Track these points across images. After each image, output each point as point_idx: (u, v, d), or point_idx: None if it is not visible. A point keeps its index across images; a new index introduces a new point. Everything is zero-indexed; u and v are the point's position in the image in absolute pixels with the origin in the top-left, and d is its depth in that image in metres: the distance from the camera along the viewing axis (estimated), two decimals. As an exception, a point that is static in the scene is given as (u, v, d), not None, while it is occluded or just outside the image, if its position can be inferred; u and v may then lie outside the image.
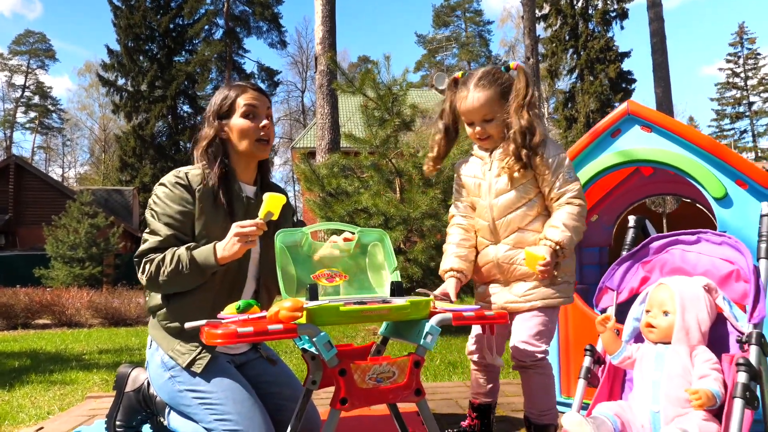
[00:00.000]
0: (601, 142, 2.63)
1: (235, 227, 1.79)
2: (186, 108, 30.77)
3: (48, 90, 49.54)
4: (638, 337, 1.87)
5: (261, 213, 1.80)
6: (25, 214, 23.08)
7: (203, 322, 1.45)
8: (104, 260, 18.12)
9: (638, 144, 2.52)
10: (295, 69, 47.04)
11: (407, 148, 7.26)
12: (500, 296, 2.10)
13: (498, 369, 2.18)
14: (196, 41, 31.63)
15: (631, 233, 2.15)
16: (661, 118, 2.49)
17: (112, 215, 21.22)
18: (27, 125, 48.65)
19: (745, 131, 42.94)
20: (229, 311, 1.53)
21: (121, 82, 29.93)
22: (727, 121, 43.23)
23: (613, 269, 1.94)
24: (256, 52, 56.93)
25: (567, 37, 33.20)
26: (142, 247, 1.90)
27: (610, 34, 32.62)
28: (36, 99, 48.54)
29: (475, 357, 2.17)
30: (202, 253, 1.83)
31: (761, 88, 42.84)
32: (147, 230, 1.94)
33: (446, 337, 6.74)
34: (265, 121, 2.03)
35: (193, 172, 1.98)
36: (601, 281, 1.91)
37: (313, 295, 1.58)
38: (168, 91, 28.95)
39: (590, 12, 31.04)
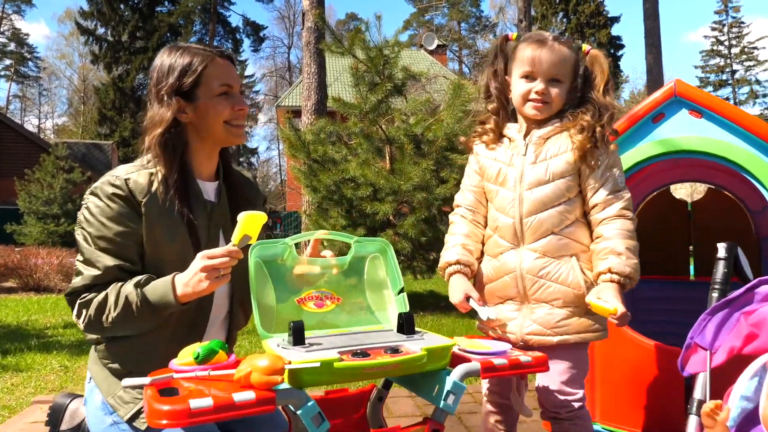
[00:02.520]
0: (640, 128, 2.22)
1: (201, 259, 1.34)
2: (168, 60, 29.68)
3: (24, 37, 47.46)
4: (749, 422, 1.34)
5: (235, 237, 1.36)
6: (-2, 166, 22.29)
7: (146, 380, 1.07)
8: (80, 217, 17.54)
9: (685, 131, 2.13)
10: (282, 24, 45.50)
11: (399, 115, 6.82)
12: (519, 323, 1.67)
13: (518, 415, 1.78)
14: (181, -9, 30.37)
15: (721, 268, 1.70)
16: (715, 101, 2.10)
17: (90, 170, 20.52)
18: (2, 73, 46.79)
19: (727, 99, 43.09)
20: (185, 359, 1.15)
21: (101, 31, 28.81)
22: (710, 88, 43.14)
23: (704, 320, 1.50)
24: (242, 4, 54.92)
25: (557, 1, 32.56)
26: (75, 282, 1.44)
27: (600, -1, 32.15)
28: (12, 46, 46.51)
29: (494, 400, 1.77)
30: (157, 290, 1.38)
31: (744, 56, 42.75)
32: (79, 258, 1.47)
33: (437, 315, 6.41)
34: (243, 101, 1.59)
35: (135, 175, 1.49)
36: (689, 336, 1.51)
37: (298, 337, 1.20)
38: (149, 43, 27.96)
39: (581, -25, 30.54)
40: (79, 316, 1.45)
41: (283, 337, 1.26)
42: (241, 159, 38.53)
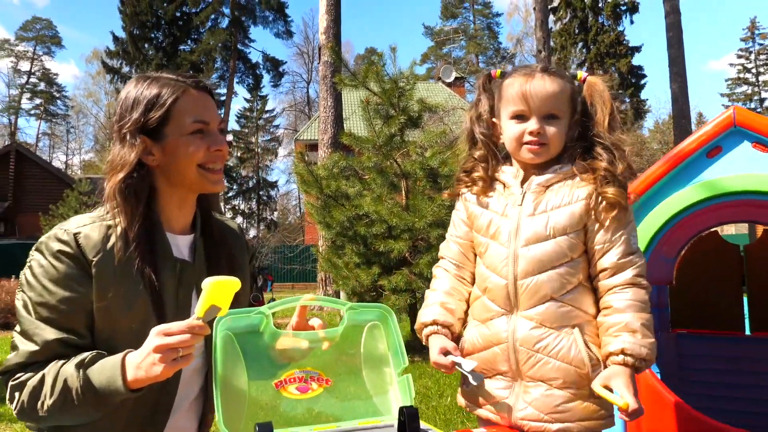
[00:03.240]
0: (689, 165, 1.89)
1: (156, 336, 1.10)
2: (189, 98, 30.31)
3: (54, 76, 48.99)
4: None
5: (199, 309, 1.09)
6: (25, 201, 22.99)
7: None
8: (101, 251, 17.61)
9: (746, 168, 1.80)
10: (301, 60, 46.14)
11: (414, 148, 6.59)
12: (510, 404, 1.38)
13: None
14: (202, 30, 31.21)
15: None
16: (786, 132, 1.76)
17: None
18: (32, 111, 48.09)
19: (756, 127, 42.54)
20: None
21: (126, 69, 29.56)
22: (738, 117, 42.64)
23: None
24: (262, 42, 56.19)
25: (576, 31, 32.61)
26: (8, 360, 1.22)
27: (620, 28, 32.10)
28: (42, 86, 47.93)
29: None
30: (104, 372, 1.14)
31: (773, 84, 42.23)
32: (17, 329, 1.24)
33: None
34: (221, 141, 1.34)
35: (87, 229, 1.26)
36: None
37: (266, 447, 0.92)
38: (172, 81, 28.49)
39: (600, 5, 30.61)
40: (11, 400, 1.20)
41: (250, 442, 0.99)
42: (261, 192, 38.71)
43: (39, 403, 1.16)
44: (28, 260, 1.26)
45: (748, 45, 42.97)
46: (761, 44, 42.60)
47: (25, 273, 1.25)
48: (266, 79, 38.10)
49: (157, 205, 1.34)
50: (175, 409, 1.32)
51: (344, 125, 11.07)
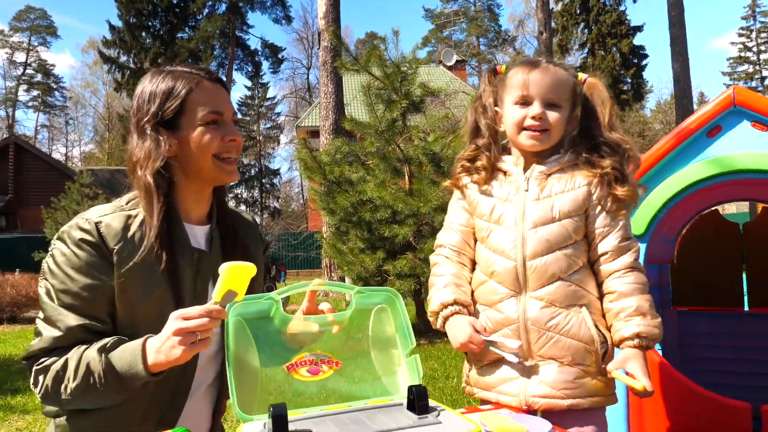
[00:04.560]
0: (691, 144, 1.92)
1: (175, 320, 1.13)
2: (189, 86, 30.07)
3: (50, 68, 48.61)
4: None
5: (217, 294, 1.13)
6: (26, 195, 22.81)
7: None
8: (106, 243, 17.59)
9: (746, 146, 1.83)
10: (301, 45, 45.79)
11: (416, 133, 6.60)
12: (522, 384, 1.43)
13: None
14: (199, 17, 30.84)
15: None
16: (783, 111, 1.79)
17: (115, 196, 20.61)
18: (29, 104, 47.92)
19: (758, 106, 42.10)
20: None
21: (123, 59, 29.27)
22: (739, 96, 42.24)
23: None
24: (260, 27, 55.65)
25: (578, 11, 32.34)
26: (32, 345, 1.25)
27: (622, 8, 31.81)
28: (38, 77, 47.68)
29: None
30: (125, 356, 1.18)
31: (774, 62, 41.77)
32: (40, 316, 1.27)
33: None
34: (234, 131, 1.37)
35: (108, 218, 1.29)
36: None
37: (280, 427, 0.96)
38: (171, 68, 28.25)
39: (601, -16, 30.32)
40: (35, 384, 1.24)
41: (264, 422, 1.02)
42: (263, 180, 38.71)
43: (62, 386, 1.20)
44: (50, 249, 1.30)
45: (749, 23, 42.39)
46: (762, 22, 42.04)
47: (48, 261, 1.28)
48: (265, 66, 37.96)
49: (175, 197, 1.37)
50: (192, 392, 1.36)
51: (345, 111, 11.05)
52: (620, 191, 1.42)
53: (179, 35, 29.70)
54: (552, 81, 1.45)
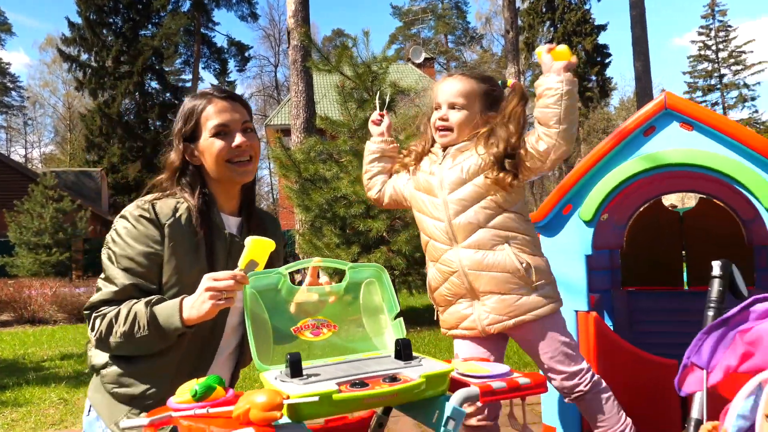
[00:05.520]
0: (630, 142, 2.21)
1: (207, 280, 1.38)
2: (154, 84, 29.54)
3: (6, 66, 47.22)
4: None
5: (241, 262, 1.38)
6: (-15, 198, 22.05)
7: (144, 420, 1.07)
8: (72, 246, 17.35)
9: (675, 144, 2.13)
10: (267, 43, 45.57)
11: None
12: (476, 318, 1.82)
13: None
14: (163, 14, 30.29)
15: (716, 287, 1.63)
16: (706, 114, 2.10)
17: (80, 198, 20.39)
18: (-16, 104, 46.44)
19: (716, 104, 42.93)
20: (183, 396, 1.14)
21: (84, 57, 28.60)
22: (699, 93, 43.17)
23: (700, 340, 1.45)
24: (226, 25, 54.93)
25: (544, 10, 32.99)
26: (93, 297, 1.52)
27: (586, 7, 32.49)
28: (-7, 77, 46.22)
29: (473, 421, 1.80)
30: (165, 310, 1.44)
31: (732, 60, 42.49)
32: (102, 276, 1.55)
33: (435, 330, 6.42)
34: (239, 138, 1.61)
35: (162, 201, 1.59)
36: (685, 356, 1.47)
37: (295, 370, 1.20)
38: (134, 67, 27.69)
39: (566, -17, 30.88)
40: (93, 329, 1.50)
41: (280, 369, 1.26)
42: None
43: (113, 331, 1.45)
44: (113, 226, 1.57)
45: (708, 22, 43.14)
46: (721, 21, 42.98)
47: (111, 234, 1.55)
48: (232, 64, 37.65)
49: (212, 190, 1.66)
50: (216, 357, 1.61)
51: (316, 109, 11.21)
52: (500, 175, 1.76)
53: (142, 32, 29.10)
54: (455, 88, 1.84)
